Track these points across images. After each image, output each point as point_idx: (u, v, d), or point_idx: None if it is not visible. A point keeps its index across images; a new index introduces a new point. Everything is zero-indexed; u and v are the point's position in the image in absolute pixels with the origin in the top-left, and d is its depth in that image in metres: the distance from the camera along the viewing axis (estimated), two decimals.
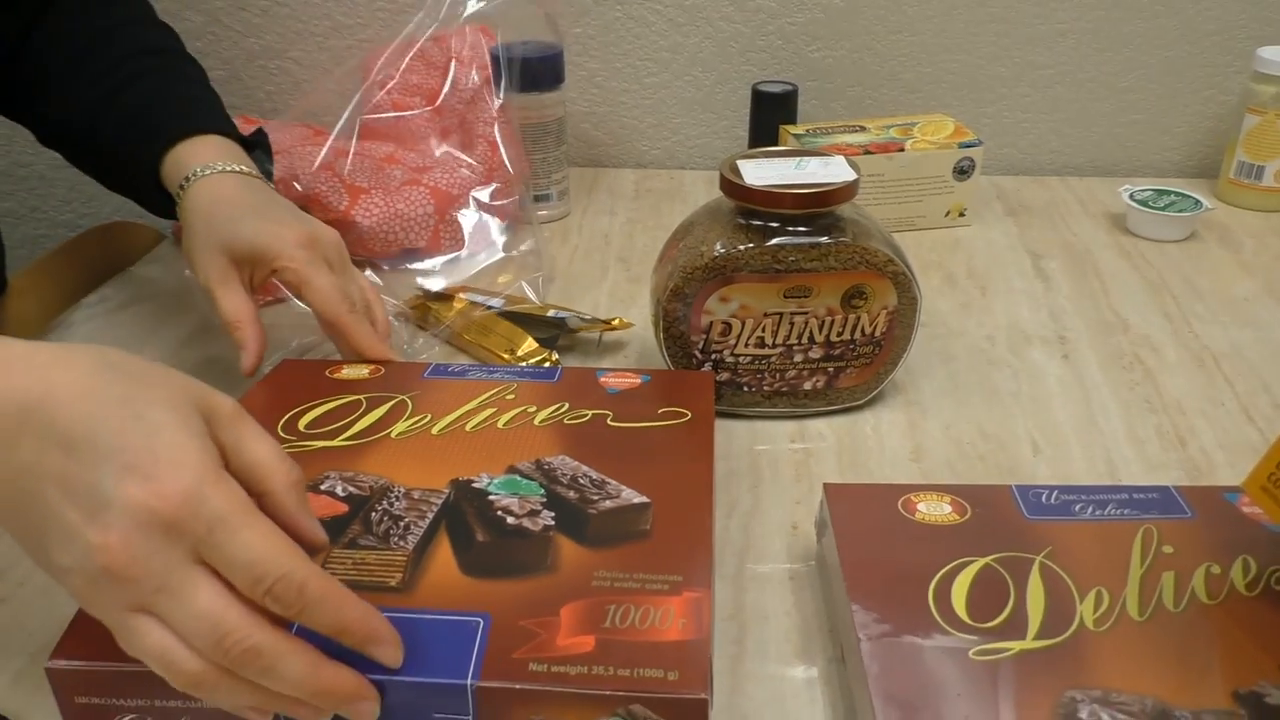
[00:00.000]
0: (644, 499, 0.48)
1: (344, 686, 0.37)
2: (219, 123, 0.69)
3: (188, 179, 0.64)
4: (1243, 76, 0.98)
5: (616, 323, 0.70)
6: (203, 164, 0.64)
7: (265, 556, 0.35)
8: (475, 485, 0.49)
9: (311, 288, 0.60)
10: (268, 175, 0.71)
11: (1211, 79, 1.01)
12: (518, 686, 0.38)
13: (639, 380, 0.59)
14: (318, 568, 0.36)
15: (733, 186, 0.60)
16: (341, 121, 0.83)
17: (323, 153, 0.82)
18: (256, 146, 0.71)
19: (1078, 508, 0.49)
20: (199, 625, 0.35)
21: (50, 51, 0.70)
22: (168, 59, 0.74)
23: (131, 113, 0.68)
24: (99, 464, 0.34)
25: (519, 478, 0.50)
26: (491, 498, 0.48)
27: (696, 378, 0.60)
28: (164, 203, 0.67)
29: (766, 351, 0.62)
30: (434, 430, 0.54)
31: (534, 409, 0.56)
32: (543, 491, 0.49)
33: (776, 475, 0.60)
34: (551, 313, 0.70)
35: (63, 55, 0.70)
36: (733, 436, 0.63)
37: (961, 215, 0.92)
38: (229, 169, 0.64)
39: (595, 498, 0.48)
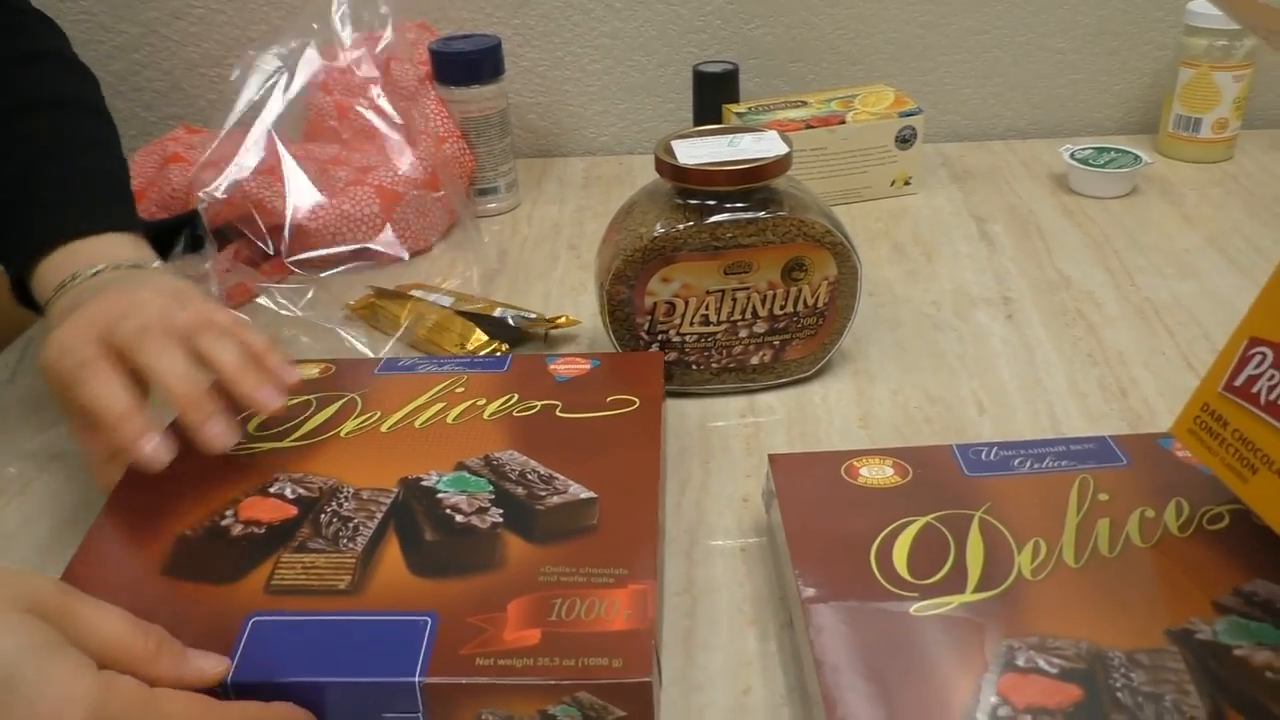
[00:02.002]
0: (591, 494, 0.48)
1: None
2: (107, 219, 0.59)
3: (57, 290, 0.56)
4: (1176, 31, 1.00)
5: (563, 320, 0.70)
6: (72, 271, 0.56)
7: None
8: (424, 483, 0.50)
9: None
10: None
11: (1146, 34, 1.02)
12: (464, 681, 0.39)
13: (588, 365, 0.59)
14: (237, 712, 0.37)
15: (667, 166, 0.61)
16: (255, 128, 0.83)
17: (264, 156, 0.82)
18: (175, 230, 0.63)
19: (1016, 462, 0.50)
20: None
21: None
22: (65, 116, 0.64)
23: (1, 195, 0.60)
24: None
25: (468, 475, 0.50)
26: (440, 496, 0.49)
27: (645, 359, 0.61)
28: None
29: (711, 329, 0.63)
30: (383, 428, 0.54)
31: (483, 402, 0.56)
32: (491, 488, 0.49)
33: (727, 450, 0.60)
34: (498, 312, 0.70)
35: None
36: (684, 415, 0.63)
37: (907, 184, 0.93)
38: (101, 271, 0.56)
39: (543, 494, 0.49)
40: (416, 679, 0.39)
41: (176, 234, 0.63)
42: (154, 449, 0.47)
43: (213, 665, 0.39)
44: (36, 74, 0.65)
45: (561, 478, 0.50)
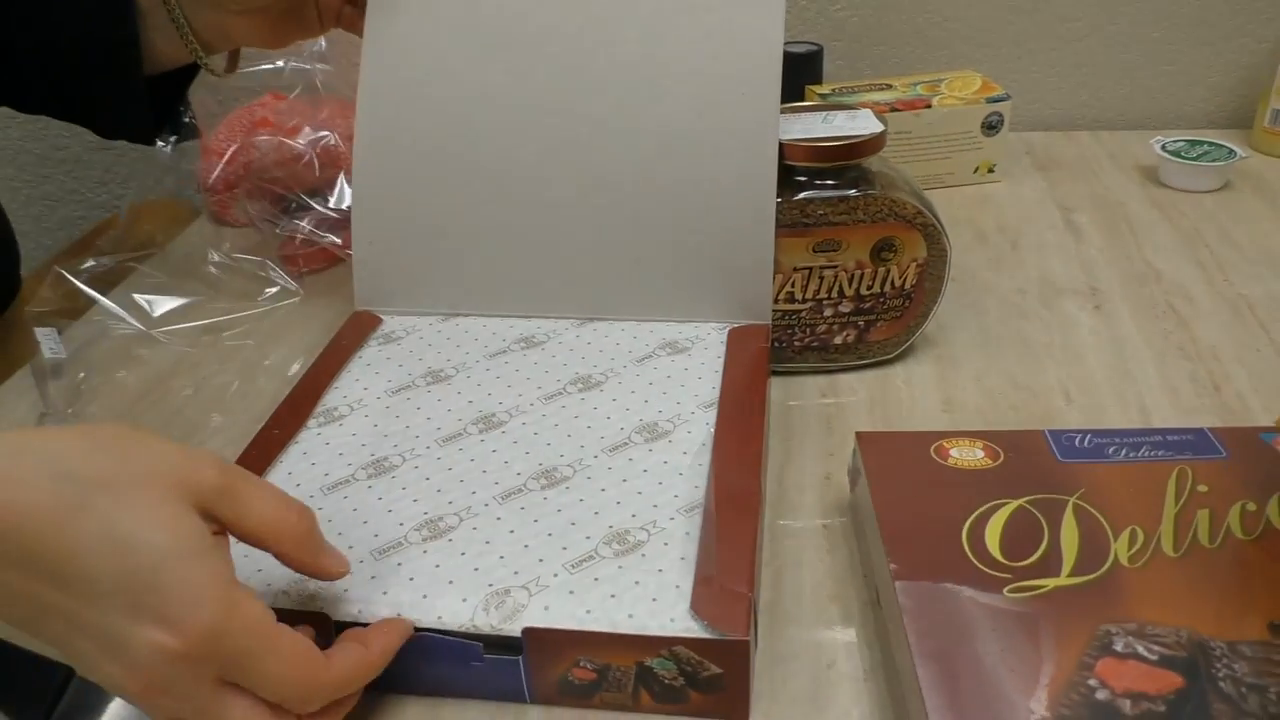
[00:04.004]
0: None
1: None
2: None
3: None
4: (1276, 24, 0.97)
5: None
6: None
7: (291, 682, 0.36)
8: None
9: None
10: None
11: (1244, 27, 0.99)
12: (566, 628, 0.40)
13: None
14: (339, 673, 0.37)
15: None
16: None
17: None
18: None
19: (1111, 450, 0.49)
20: None
21: None
22: None
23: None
24: (103, 604, 0.33)
25: None
26: None
27: (750, 329, 0.60)
28: (138, 111, 0.62)
29: (797, 306, 0.62)
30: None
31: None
32: None
33: (808, 429, 0.60)
34: None
35: None
36: None
37: (991, 171, 0.91)
38: None
39: None
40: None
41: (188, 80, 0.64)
42: None
43: (341, 567, 0.40)
44: None
45: None
